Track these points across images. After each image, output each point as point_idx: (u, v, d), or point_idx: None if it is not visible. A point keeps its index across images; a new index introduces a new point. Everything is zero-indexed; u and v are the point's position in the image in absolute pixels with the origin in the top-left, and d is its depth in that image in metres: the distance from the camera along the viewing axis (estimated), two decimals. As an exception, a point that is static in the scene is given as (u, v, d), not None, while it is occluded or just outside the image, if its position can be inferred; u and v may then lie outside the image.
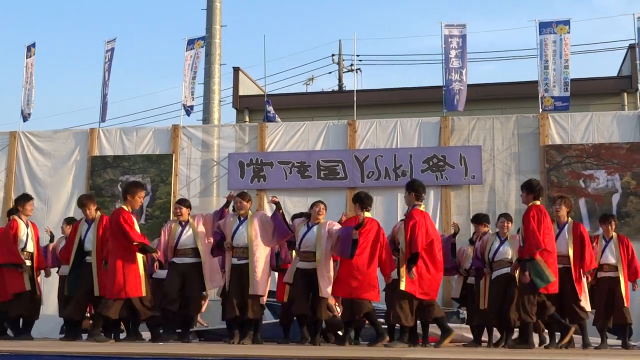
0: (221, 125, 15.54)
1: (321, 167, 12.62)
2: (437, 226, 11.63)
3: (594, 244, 9.21)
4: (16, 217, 9.52)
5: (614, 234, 9.44)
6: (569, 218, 8.95)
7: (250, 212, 8.62)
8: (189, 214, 9.14)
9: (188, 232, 8.90)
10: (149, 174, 13.05)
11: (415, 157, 12.35)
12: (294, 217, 9.23)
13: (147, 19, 60.63)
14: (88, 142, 13.37)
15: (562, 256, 8.53)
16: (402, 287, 7.72)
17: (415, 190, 8.16)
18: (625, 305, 9.06)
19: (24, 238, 9.40)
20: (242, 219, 8.53)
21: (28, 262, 9.34)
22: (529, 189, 8.26)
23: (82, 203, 9.14)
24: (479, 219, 9.69)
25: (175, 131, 13.26)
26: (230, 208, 8.94)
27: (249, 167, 12.82)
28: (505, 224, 9.03)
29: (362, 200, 8.47)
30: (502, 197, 12.12)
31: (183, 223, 9.01)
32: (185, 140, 13.23)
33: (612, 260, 9.25)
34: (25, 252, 9.35)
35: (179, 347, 7.32)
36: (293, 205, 12.47)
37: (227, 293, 8.44)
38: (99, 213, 9.06)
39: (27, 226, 9.53)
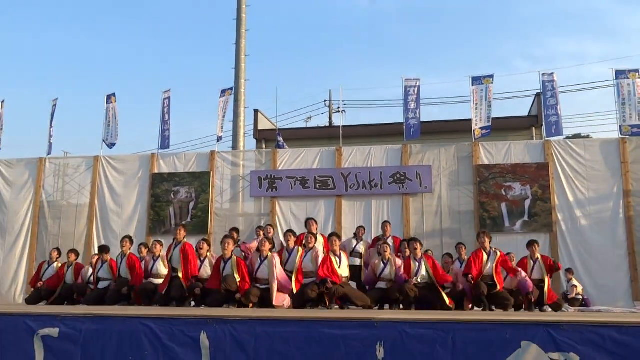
0: (245, 151, 15.55)
1: (317, 181, 12.58)
2: (398, 223, 11.80)
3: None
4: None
5: (539, 255, 9.35)
6: (492, 248, 8.91)
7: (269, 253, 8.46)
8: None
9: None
10: (194, 186, 13.02)
11: (384, 174, 12.34)
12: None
13: (193, 75, 60.78)
14: (150, 163, 13.34)
15: (488, 275, 8.60)
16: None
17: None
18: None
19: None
20: (262, 257, 8.37)
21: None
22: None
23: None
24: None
25: (212, 155, 13.23)
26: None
27: (265, 181, 12.79)
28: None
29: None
30: (446, 202, 12.10)
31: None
32: (220, 161, 13.18)
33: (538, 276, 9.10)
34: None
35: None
36: (297, 207, 12.51)
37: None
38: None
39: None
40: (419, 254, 8.69)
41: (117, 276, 9.60)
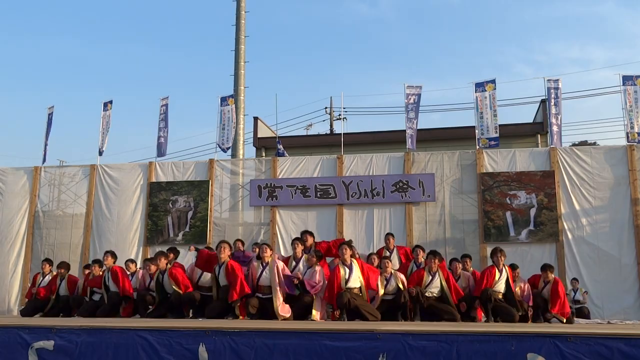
0: (245, 159, 15.57)
1: (318, 189, 12.57)
2: (401, 232, 11.79)
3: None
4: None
5: (552, 277, 9.38)
6: (504, 265, 9.02)
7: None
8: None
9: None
10: (192, 195, 13.02)
11: (386, 182, 12.33)
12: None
13: (192, 83, 61.00)
14: (147, 172, 13.34)
15: (498, 292, 8.72)
16: None
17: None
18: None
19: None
20: (263, 264, 8.43)
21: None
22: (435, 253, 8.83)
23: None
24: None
25: (211, 163, 13.24)
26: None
27: (265, 190, 12.79)
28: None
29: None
30: (449, 211, 12.09)
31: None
32: (219, 170, 13.16)
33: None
34: None
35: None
36: (297, 217, 12.50)
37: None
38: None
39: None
40: (435, 267, 8.69)
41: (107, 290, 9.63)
